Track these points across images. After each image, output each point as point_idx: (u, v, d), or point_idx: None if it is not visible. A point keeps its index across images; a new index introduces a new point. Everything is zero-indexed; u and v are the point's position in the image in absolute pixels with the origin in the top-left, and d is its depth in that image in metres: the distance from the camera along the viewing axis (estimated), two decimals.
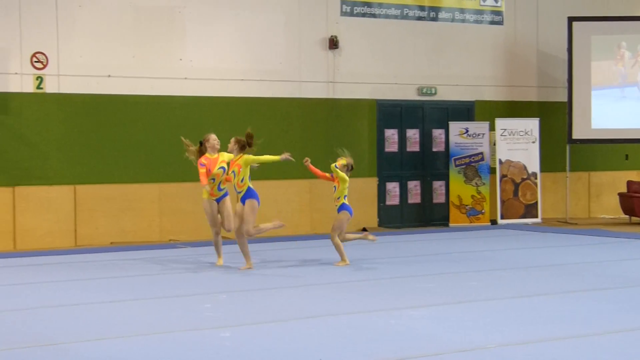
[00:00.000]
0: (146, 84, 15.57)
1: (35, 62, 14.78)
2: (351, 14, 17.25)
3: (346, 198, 12.28)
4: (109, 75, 15.30)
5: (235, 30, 16.31)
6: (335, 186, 12.27)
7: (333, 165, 12.23)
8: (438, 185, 18.30)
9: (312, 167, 12.44)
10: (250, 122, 16.38)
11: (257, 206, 11.76)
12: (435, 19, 18.03)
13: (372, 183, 17.58)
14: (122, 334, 7.78)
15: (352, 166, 12.40)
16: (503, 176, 18.16)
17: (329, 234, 12.46)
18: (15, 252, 14.23)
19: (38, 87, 14.81)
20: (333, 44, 17.01)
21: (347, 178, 12.24)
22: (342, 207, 12.24)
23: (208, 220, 12.27)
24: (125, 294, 10.06)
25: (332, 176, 12.31)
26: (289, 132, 16.75)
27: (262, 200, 16.49)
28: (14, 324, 8.32)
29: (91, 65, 15.15)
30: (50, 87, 14.88)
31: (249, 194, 11.71)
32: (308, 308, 9.06)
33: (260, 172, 16.56)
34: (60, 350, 7.15)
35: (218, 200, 12.17)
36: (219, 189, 12.13)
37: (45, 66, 14.84)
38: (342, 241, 12.29)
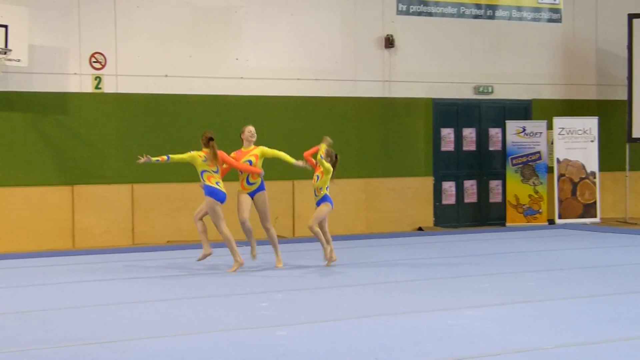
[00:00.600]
0: (203, 83, 15.68)
1: (94, 62, 14.96)
2: (407, 12, 17.17)
3: (328, 189, 12.05)
4: (166, 75, 15.44)
5: (291, 30, 16.34)
6: (317, 175, 11.97)
7: (319, 156, 11.95)
8: (495, 185, 18.15)
9: (310, 159, 12.14)
10: (305, 121, 16.45)
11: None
12: (492, 17, 17.87)
13: (428, 182, 17.48)
14: (180, 332, 7.83)
15: (336, 156, 12.08)
16: (561, 175, 17.94)
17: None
18: (74, 250, 14.41)
19: (96, 87, 14.99)
20: (389, 42, 16.96)
21: (331, 169, 11.95)
22: (324, 199, 12.01)
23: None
24: (182, 292, 10.13)
25: (316, 164, 12.03)
26: (345, 131, 16.74)
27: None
28: (73, 321, 8.42)
29: (148, 65, 15.29)
30: (108, 87, 15.05)
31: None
32: (364, 307, 9.03)
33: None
34: (118, 348, 7.22)
35: (252, 195, 12.08)
36: (249, 183, 12.03)
37: (103, 66, 15.02)
38: (325, 238, 12.05)
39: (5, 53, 13.77)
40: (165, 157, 11.65)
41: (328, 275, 11.38)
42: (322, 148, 12.06)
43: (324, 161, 11.90)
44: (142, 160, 11.64)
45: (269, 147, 12.22)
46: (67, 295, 9.99)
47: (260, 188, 12.08)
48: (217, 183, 11.61)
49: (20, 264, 12.54)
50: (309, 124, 16.49)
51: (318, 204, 12.07)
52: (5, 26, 13.85)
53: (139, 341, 7.44)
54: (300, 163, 11.85)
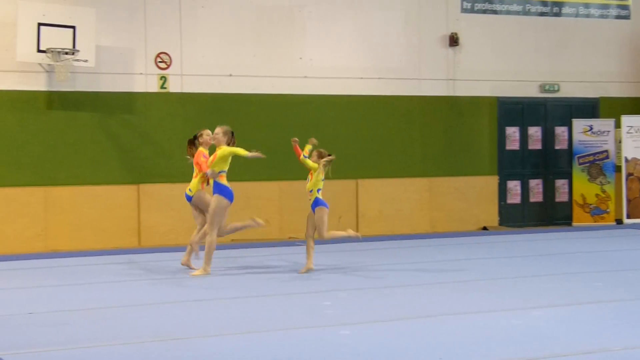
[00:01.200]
0: (267, 82, 15.74)
1: (159, 62, 15.11)
2: (472, 10, 17.03)
3: (320, 192, 11.52)
4: (230, 75, 15.53)
5: (355, 29, 16.32)
6: (308, 177, 11.57)
7: (302, 156, 11.60)
8: (561, 184, 17.90)
9: (297, 147, 11.77)
10: (369, 120, 16.42)
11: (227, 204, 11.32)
12: (558, 14, 17.64)
13: (492, 181, 17.32)
14: (243, 330, 7.85)
15: (325, 154, 11.52)
16: (629, 174, 17.62)
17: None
18: (139, 249, 14.57)
19: (162, 87, 15.14)
20: (453, 41, 16.84)
21: (317, 167, 11.42)
22: (317, 203, 11.47)
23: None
24: (246, 290, 10.17)
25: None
26: (408, 130, 16.67)
27: (381, 199, 16.58)
28: (139, 319, 8.51)
29: (213, 65, 15.40)
30: (173, 86, 15.19)
31: (218, 189, 11.25)
32: (428, 307, 8.97)
33: (378, 170, 16.55)
34: (183, 346, 7.27)
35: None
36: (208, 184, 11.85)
37: (168, 66, 15.16)
38: (309, 244, 11.56)
39: (73, 54, 13.99)
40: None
41: (392, 274, 11.32)
42: (307, 148, 11.78)
43: (307, 160, 11.51)
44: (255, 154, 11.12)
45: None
46: (134, 293, 10.09)
47: (216, 190, 11.40)
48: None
49: (87, 261, 12.72)
50: (372, 123, 16.46)
51: (312, 207, 11.60)
52: (73, 27, 14.07)
53: (203, 339, 7.48)
54: (253, 154, 11.11)
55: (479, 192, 17.05)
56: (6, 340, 7.34)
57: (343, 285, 10.43)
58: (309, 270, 11.51)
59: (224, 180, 11.27)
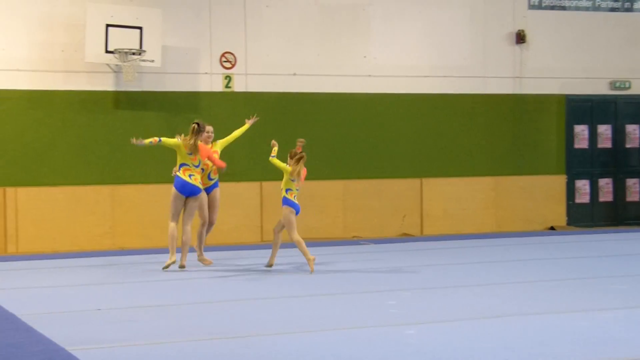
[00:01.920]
0: (330, 81, 15.72)
1: (224, 61, 15.19)
2: (539, 6, 16.80)
3: (289, 192, 11.36)
4: (294, 74, 15.54)
5: (419, 27, 16.21)
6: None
7: (270, 156, 11.47)
8: (632, 183, 17.56)
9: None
10: (433, 118, 16.30)
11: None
12: (630, 9, 17.30)
13: (560, 180, 17.06)
14: (308, 329, 7.84)
15: (294, 154, 11.32)
16: None
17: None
18: (205, 246, 14.63)
19: (226, 86, 15.22)
20: (520, 38, 16.62)
21: (287, 168, 11.29)
22: (283, 202, 11.38)
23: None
24: (311, 288, 10.15)
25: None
26: (473, 128, 16.51)
27: (446, 198, 16.43)
28: (206, 316, 8.55)
29: (277, 64, 15.43)
30: (238, 85, 15.26)
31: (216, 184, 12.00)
32: (494, 307, 8.85)
33: (443, 169, 16.41)
34: (250, 343, 7.27)
35: (209, 190, 12.03)
36: (209, 178, 12.00)
37: (233, 66, 15.23)
38: (274, 240, 11.59)
39: (140, 54, 14.13)
40: (157, 139, 11.66)
41: (457, 273, 11.21)
42: (274, 149, 11.48)
43: (274, 160, 11.40)
44: (135, 142, 11.67)
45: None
46: (200, 291, 10.16)
47: (216, 184, 12.15)
48: (189, 175, 11.49)
49: (154, 259, 12.81)
50: (437, 122, 16.33)
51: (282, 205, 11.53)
52: (140, 28, 14.22)
53: (268, 337, 7.48)
54: (252, 120, 12.32)
55: (546, 191, 16.80)
56: (75, 336, 7.43)
57: (407, 285, 10.36)
58: (270, 266, 11.63)
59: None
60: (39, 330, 7.55)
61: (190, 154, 11.48)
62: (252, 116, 12.55)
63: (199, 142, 11.57)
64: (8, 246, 14.09)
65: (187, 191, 11.42)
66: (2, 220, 14.08)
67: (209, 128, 12.08)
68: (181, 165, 11.49)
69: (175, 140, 11.59)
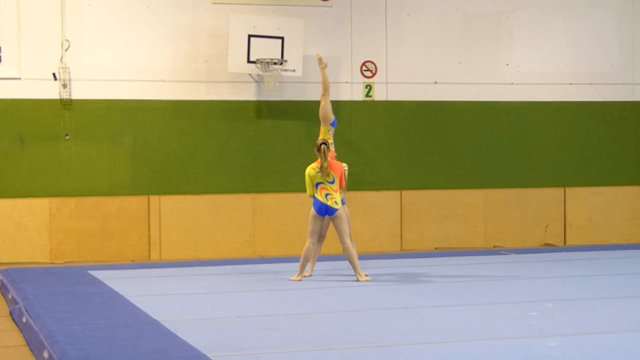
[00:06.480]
0: (472, 89, 15.55)
1: (365, 70, 15.24)
2: None
3: (320, 188, 11.27)
4: (435, 82, 15.44)
5: (564, 33, 15.86)
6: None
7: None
8: None
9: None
10: (578, 127, 15.90)
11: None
12: None
13: None
14: (450, 338, 7.74)
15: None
16: None
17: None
18: (341, 255, 14.70)
19: (367, 95, 15.25)
20: None
21: (312, 178, 11.26)
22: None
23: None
24: (451, 298, 10.05)
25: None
26: (620, 137, 16.06)
27: (591, 208, 15.97)
28: (338, 325, 8.55)
29: (418, 73, 15.37)
30: (378, 95, 15.27)
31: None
32: None
33: (587, 178, 15.97)
34: (387, 352, 7.23)
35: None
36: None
37: (374, 75, 15.26)
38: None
39: (281, 64, 14.33)
40: (311, 197, 11.40)
41: (602, 285, 10.87)
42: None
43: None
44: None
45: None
46: (340, 299, 10.18)
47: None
48: (326, 195, 11.24)
49: (294, 267, 12.92)
50: (581, 130, 15.94)
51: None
52: (282, 38, 14.42)
53: (408, 346, 7.42)
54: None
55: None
56: (216, 343, 7.54)
57: (550, 296, 10.11)
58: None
59: None
60: (181, 337, 7.67)
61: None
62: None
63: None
64: (152, 253, 14.51)
65: (324, 212, 11.44)
66: (145, 228, 14.50)
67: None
68: (317, 184, 11.37)
69: (310, 180, 11.34)
